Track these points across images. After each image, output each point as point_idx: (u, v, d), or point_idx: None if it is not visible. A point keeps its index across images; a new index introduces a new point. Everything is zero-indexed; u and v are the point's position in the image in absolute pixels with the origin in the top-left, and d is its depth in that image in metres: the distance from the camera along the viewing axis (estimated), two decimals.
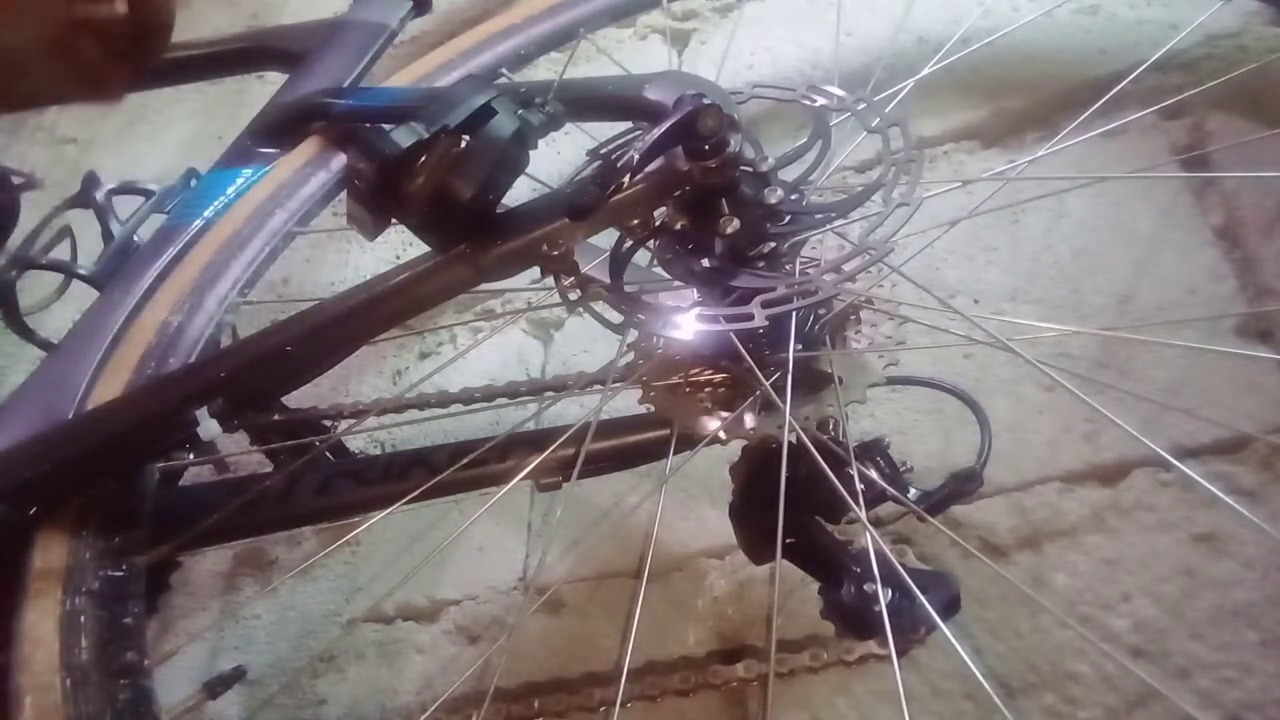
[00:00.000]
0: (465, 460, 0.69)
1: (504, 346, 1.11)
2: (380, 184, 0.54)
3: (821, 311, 0.64)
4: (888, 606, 0.61)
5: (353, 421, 0.95)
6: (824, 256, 0.62)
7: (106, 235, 0.88)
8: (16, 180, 0.92)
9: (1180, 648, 0.70)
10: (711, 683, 0.73)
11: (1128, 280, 0.86)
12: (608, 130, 0.62)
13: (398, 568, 1.00)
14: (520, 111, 0.55)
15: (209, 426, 0.66)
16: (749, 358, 0.59)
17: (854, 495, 0.60)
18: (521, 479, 0.67)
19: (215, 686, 0.94)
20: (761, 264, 0.58)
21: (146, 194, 0.91)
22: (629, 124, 0.62)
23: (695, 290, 0.61)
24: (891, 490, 0.64)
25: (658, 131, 0.53)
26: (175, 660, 1.03)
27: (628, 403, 0.68)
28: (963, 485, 0.67)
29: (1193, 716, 0.65)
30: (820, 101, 0.63)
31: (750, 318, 0.54)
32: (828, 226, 0.60)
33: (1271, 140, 0.84)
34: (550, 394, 0.89)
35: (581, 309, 0.62)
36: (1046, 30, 1.02)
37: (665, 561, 0.88)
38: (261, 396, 0.77)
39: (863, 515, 0.60)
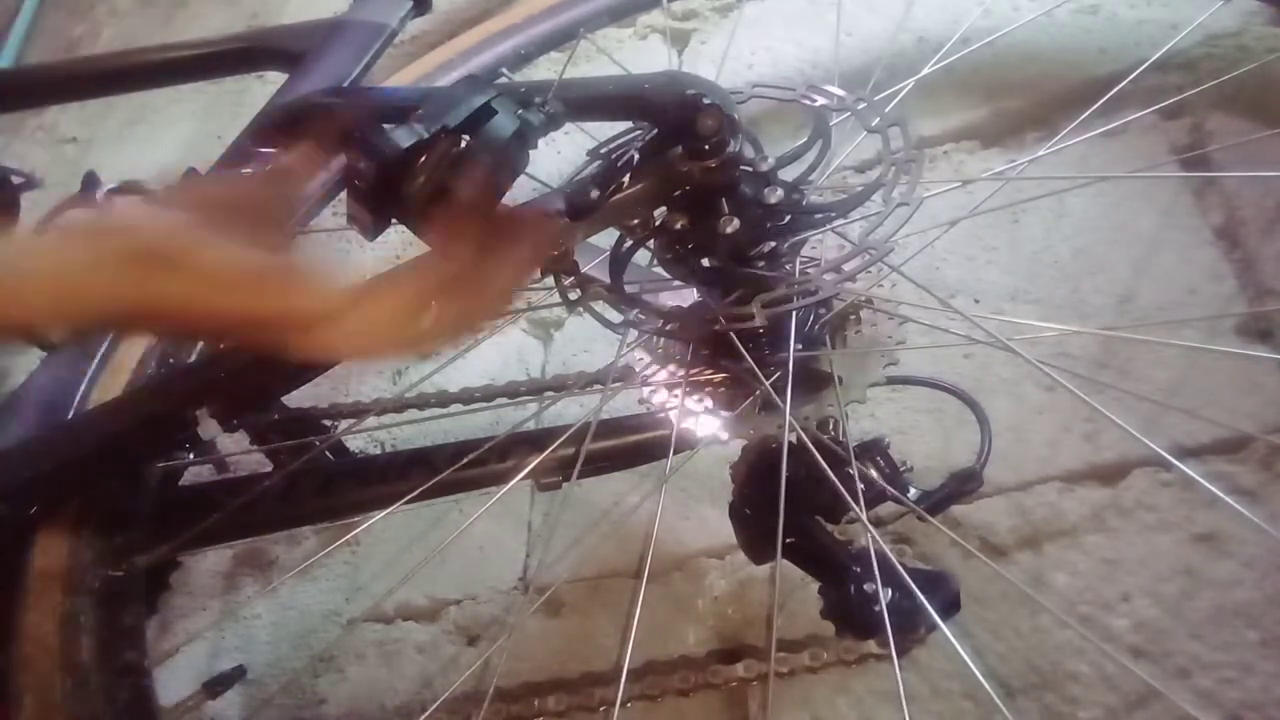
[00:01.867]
0: (465, 460, 0.69)
1: (504, 346, 1.11)
2: (379, 184, 0.54)
3: (821, 311, 0.64)
4: (888, 606, 0.61)
5: (353, 421, 0.95)
6: (824, 256, 0.62)
7: None
8: (16, 180, 0.93)
9: (1180, 648, 0.70)
10: (711, 682, 0.73)
11: (1128, 280, 0.86)
12: (608, 130, 0.62)
13: (398, 568, 1.00)
14: (520, 111, 0.55)
15: (209, 426, 0.66)
16: (749, 357, 0.59)
17: (854, 495, 0.60)
18: (521, 479, 0.67)
19: (215, 686, 0.94)
20: (761, 264, 0.58)
21: (147, 194, 0.91)
22: (629, 124, 0.62)
23: (695, 290, 0.61)
24: (891, 490, 0.64)
25: (658, 131, 0.53)
26: (175, 660, 1.03)
27: (628, 403, 0.68)
28: (963, 485, 0.67)
29: (1193, 716, 0.65)
30: (820, 101, 0.63)
31: (750, 317, 0.54)
32: (828, 226, 0.60)
33: (1271, 140, 0.84)
34: (550, 394, 0.89)
35: (581, 309, 0.62)
36: (1046, 30, 1.02)
37: (665, 561, 0.88)
38: (261, 396, 0.77)
39: (863, 515, 0.60)
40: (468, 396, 0.89)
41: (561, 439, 0.67)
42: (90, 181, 0.91)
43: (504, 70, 0.95)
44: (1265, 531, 0.69)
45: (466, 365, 1.07)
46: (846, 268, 0.58)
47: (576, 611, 0.90)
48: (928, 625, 0.64)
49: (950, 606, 0.66)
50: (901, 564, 0.60)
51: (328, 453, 0.89)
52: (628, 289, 0.60)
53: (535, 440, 0.70)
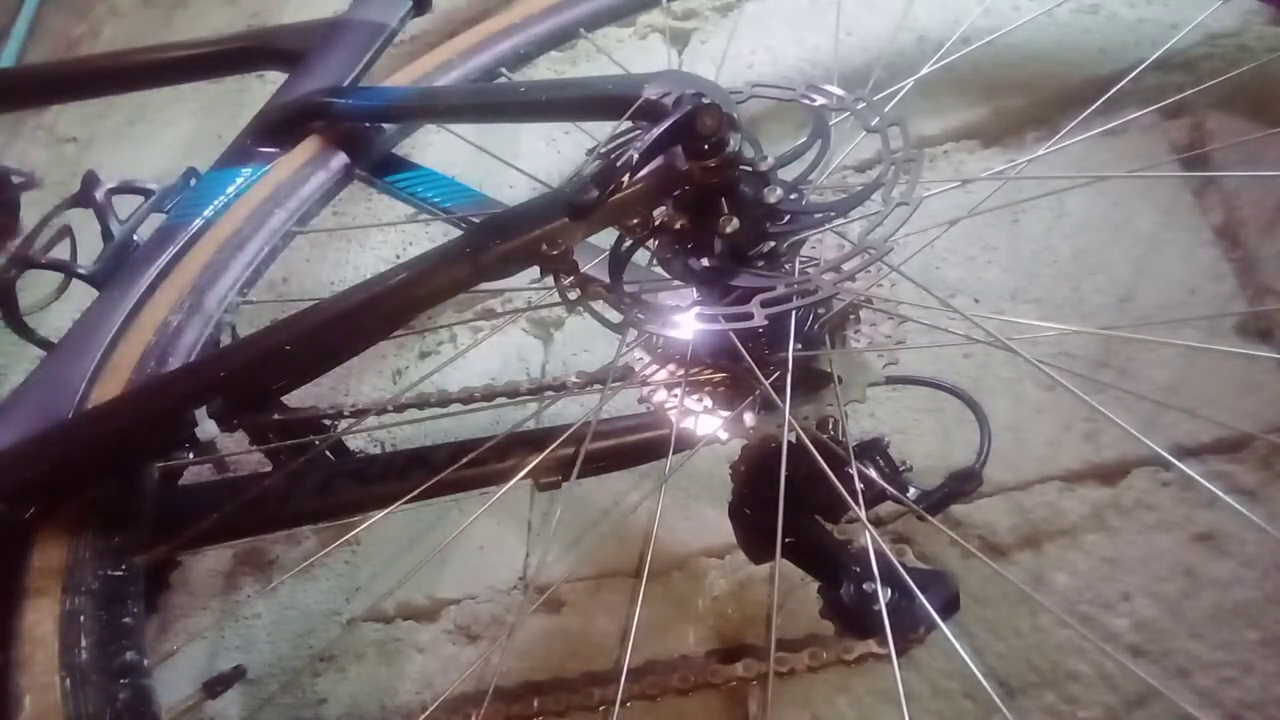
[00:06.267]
0: (465, 460, 0.69)
1: (504, 346, 1.11)
2: None
3: (821, 311, 0.64)
4: (887, 606, 0.61)
5: (353, 421, 0.95)
6: (823, 256, 0.62)
7: (106, 235, 0.88)
8: (16, 180, 0.93)
9: (1180, 647, 0.70)
10: (711, 682, 0.73)
11: (1128, 280, 0.86)
12: (608, 130, 0.62)
13: (398, 567, 1.00)
14: None
15: (208, 426, 0.66)
16: (748, 357, 0.59)
17: (854, 495, 0.60)
18: (521, 478, 0.67)
19: (215, 686, 0.94)
20: (761, 263, 0.58)
21: (146, 193, 0.91)
22: (629, 124, 0.62)
23: (695, 290, 0.61)
24: (891, 490, 0.64)
25: (657, 131, 0.53)
26: (175, 660, 1.03)
27: (628, 403, 0.68)
28: (962, 485, 0.67)
29: (1193, 716, 0.65)
30: (820, 101, 0.63)
31: (750, 317, 0.54)
32: (827, 226, 0.60)
33: (1271, 140, 0.84)
34: (550, 394, 0.89)
35: (581, 308, 0.62)
36: (1046, 29, 1.01)
37: (665, 561, 0.88)
38: (261, 396, 0.77)
39: (862, 515, 0.60)
40: (468, 396, 0.89)
41: (561, 439, 0.67)
42: (90, 181, 0.91)
43: (504, 70, 0.95)
44: (1265, 531, 0.69)
45: (466, 365, 1.07)
46: (846, 267, 0.58)
47: (576, 611, 0.90)
48: (927, 625, 0.64)
49: (950, 606, 0.66)
50: (901, 563, 0.60)
51: (328, 453, 0.89)
52: (627, 288, 0.60)
53: (535, 440, 0.70)
